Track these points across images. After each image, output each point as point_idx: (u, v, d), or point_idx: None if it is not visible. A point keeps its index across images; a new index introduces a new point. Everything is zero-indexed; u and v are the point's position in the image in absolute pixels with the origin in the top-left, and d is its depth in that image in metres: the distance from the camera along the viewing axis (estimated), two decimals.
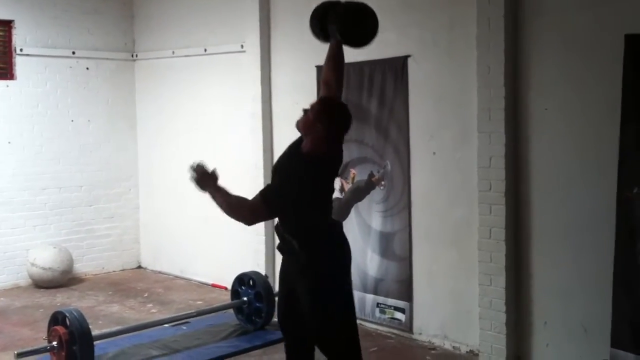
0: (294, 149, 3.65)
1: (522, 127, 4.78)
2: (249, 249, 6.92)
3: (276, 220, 3.72)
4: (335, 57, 3.81)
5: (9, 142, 7.51)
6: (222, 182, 3.56)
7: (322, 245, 3.57)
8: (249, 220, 3.70)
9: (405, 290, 5.59)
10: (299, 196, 3.47)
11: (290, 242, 3.58)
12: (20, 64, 7.55)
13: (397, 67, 5.58)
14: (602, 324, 4.33)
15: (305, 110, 3.61)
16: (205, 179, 3.55)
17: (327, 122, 3.52)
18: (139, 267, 8.52)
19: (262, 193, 3.54)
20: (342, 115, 3.63)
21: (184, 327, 5.88)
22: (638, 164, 4.11)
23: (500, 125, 4.78)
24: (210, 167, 3.58)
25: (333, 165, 3.69)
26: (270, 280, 6.05)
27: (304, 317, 3.63)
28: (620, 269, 4.21)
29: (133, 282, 7.80)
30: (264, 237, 6.74)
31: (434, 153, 5.37)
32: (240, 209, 3.56)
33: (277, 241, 3.72)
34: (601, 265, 4.34)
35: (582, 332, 4.51)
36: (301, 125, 3.59)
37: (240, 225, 7.80)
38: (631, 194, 4.12)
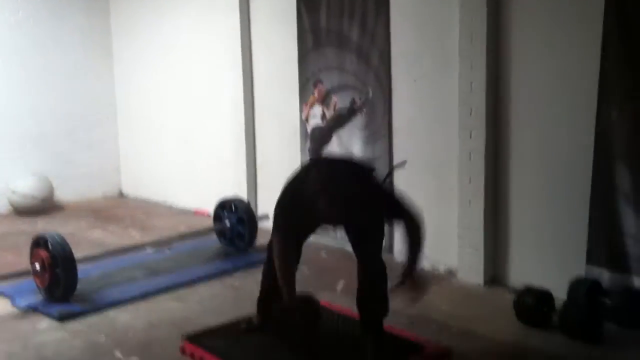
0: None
1: (504, 51, 4.79)
2: (229, 177, 6.97)
3: None
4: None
5: None
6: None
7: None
8: None
9: None
10: None
11: None
12: None
13: None
14: (577, 243, 4.44)
15: None
16: None
17: None
18: (121, 195, 8.56)
19: None
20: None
21: (167, 251, 5.94)
22: (618, 86, 4.15)
23: (482, 50, 4.80)
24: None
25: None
26: (252, 206, 6.14)
27: None
28: (597, 187, 4.29)
29: (114, 209, 7.84)
30: (245, 167, 6.81)
31: (415, 80, 5.41)
32: None
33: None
34: (578, 185, 4.43)
35: (558, 250, 4.63)
36: None
37: (220, 152, 7.77)
38: (610, 116, 4.18)
